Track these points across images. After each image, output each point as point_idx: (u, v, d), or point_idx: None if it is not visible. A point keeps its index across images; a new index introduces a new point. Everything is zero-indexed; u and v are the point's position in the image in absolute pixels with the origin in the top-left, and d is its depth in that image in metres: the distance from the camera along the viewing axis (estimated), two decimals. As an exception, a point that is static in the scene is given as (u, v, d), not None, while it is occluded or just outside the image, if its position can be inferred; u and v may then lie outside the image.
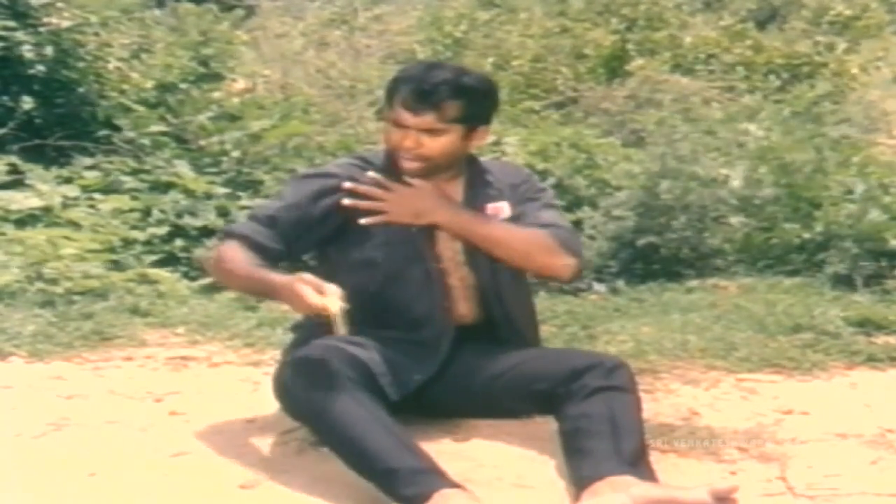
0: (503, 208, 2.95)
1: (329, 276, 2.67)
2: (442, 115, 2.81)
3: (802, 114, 7.86)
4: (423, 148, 2.83)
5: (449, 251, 2.92)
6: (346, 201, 2.85)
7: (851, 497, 2.64)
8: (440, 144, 2.84)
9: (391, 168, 2.91)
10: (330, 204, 2.88)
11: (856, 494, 2.65)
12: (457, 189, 2.95)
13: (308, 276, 2.63)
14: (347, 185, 2.87)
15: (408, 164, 2.86)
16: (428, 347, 2.88)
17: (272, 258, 2.84)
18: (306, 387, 2.61)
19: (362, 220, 2.85)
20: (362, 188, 2.86)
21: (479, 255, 2.91)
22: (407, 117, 2.81)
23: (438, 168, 2.89)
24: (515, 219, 2.94)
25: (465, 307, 2.94)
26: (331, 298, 2.58)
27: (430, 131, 2.82)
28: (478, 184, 2.96)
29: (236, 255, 2.81)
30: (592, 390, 2.66)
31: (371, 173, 2.89)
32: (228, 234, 2.94)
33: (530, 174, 3.16)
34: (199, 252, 3.08)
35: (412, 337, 2.87)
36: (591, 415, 2.61)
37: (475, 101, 2.86)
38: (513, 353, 2.91)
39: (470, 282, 2.93)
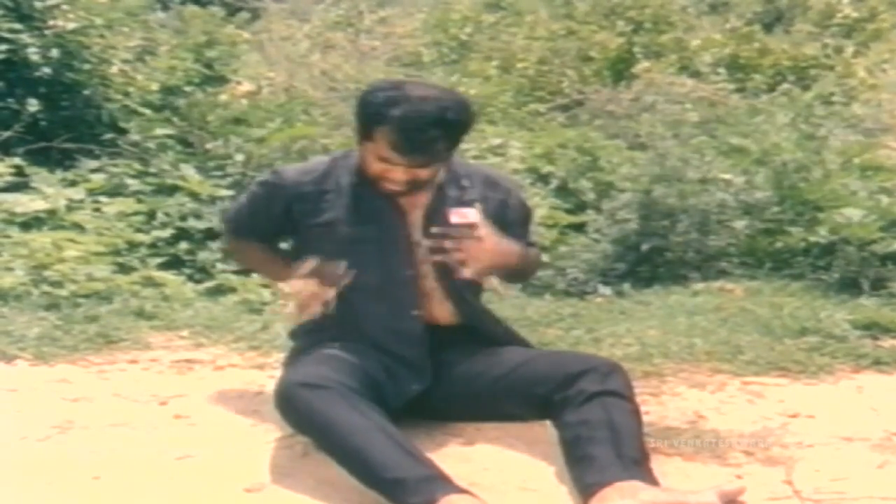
0: (469, 214, 2.92)
1: None
2: (433, 156, 2.82)
3: (808, 116, 7.85)
4: (414, 177, 2.84)
5: (419, 257, 2.92)
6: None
7: (858, 501, 2.63)
8: (428, 173, 2.86)
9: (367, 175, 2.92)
10: (282, 212, 2.99)
11: (862, 498, 2.64)
12: (425, 191, 2.94)
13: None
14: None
15: (393, 188, 2.86)
16: (413, 357, 2.89)
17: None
18: (307, 401, 2.60)
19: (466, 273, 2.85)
20: (447, 244, 2.83)
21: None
22: (396, 159, 2.80)
23: (422, 187, 2.89)
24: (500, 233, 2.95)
25: (442, 309, 2.95)
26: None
27: (419, 166, 2.82)
28: (451, 187, 2.97)
29: (249, 245, 3.17)
30: (589, 396, 2.65)
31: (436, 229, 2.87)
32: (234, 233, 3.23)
33: (519, 188, 3.21)
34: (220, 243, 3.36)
35: (395, 348, 2.88)
36: (589, 421, 2.60)
37: (460, 133, 2.87)
38: (509, 354, 2.92)
39: (440, 285, 2.94)
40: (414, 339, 2.90)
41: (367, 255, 2.88)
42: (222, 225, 3.24)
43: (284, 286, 2.99)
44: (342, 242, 2.89)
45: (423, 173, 2.84)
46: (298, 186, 2.96)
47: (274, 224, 3.05)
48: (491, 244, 2.85)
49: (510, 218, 3.01)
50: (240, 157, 6.24)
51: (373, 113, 2.81)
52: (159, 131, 6.37)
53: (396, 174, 2.82)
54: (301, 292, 2.86)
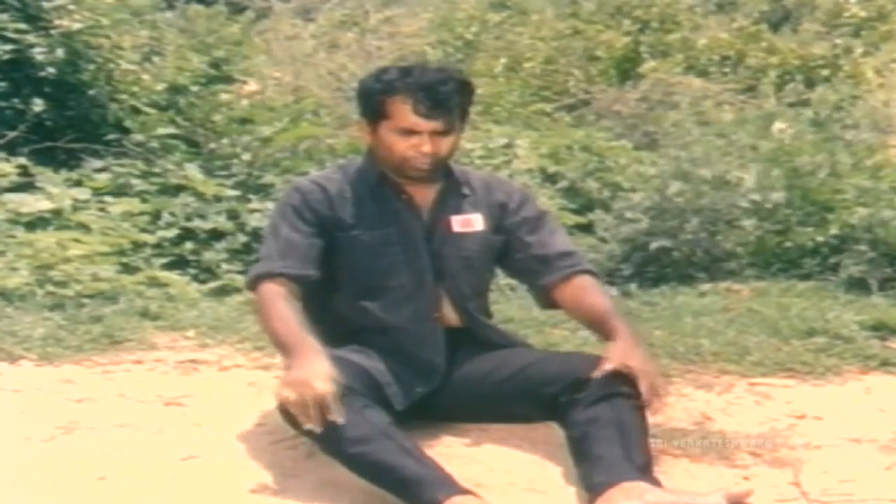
0: (474, 221, 2.95)
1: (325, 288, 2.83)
2: (452, 117, 2.86)
3: (816, 116, 7.83)
4: (437, 149, 2.85)
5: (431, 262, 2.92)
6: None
7: (866, 502, 2.62)
8: (449, 143, 2.89)
9: (377, 176, 2.92)
10: (330, 215, 2.89)
11: (870, 500, 2.63)
12: (430, 195, 2.94)
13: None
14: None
15: (420, 166, 2.86)
16: (428, 360, 2.88)
17: (311, 287, 2.84)
18: None
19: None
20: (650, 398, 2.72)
21: (446, 265, 2.91)
22: (421, 123, 2.82)
23: (442, 167, 2.91)
24: (507, 238, 2.98)
25: (450, 311, 2.94)
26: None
27: (442, 133, 2.84)
28: (451, 194, 2.97)
29: (276, 305, 2.78)
30: (598, 398, 2.65)
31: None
32: (264, 276, 2.85)
33: (523, 192, 3.15)
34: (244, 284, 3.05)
35: (412, 351, 2.87)
36: (598, 420, 2.60)
37: (470, 98, 2.95)
38: (516, 355, 2.92)
39: (448, 290, 2.94)
40: (434, 341, 2.90)
41: (394, 258, 2.88)
42: (252, 274, 2.92)
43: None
44: (368, 248, 2.88)
45: (444, 144, 2.85)
46: (327, 191, 2.91)
47: (318, 231, 2.86)
48: (639, 360, 2.73)
49: (511, 221, 2.99)
50: (246, 157, 6.24)
51: (385, 87, 2.83)
52: (162, 131, 6.37)
53: (422, 144, 2.82)
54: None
